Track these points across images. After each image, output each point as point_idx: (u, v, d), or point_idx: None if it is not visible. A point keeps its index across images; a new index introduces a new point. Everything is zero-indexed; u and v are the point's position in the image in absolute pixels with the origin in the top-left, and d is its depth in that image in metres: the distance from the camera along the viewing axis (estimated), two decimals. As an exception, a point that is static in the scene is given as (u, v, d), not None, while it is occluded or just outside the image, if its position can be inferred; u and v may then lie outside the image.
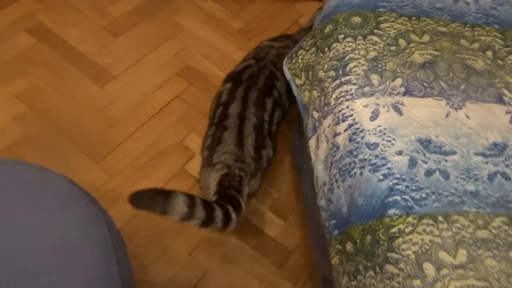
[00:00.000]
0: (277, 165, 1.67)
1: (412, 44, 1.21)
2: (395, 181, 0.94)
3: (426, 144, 1.00)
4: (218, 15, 2.13)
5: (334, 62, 1.20)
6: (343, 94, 1.13)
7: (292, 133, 1.73)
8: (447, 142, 1.01)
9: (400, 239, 0.87)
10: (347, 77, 1.15)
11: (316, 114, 1.24)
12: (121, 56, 1.87)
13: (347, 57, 1.18)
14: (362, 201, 0.96)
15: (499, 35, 1.29)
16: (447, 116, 1.07)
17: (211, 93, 1.64)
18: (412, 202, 0.91)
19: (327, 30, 1.29)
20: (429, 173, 0.95)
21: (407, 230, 0.87)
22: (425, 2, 1.33)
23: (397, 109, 1.06)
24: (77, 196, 1.00)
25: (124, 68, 1.84)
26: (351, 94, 1.11)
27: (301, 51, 1.40)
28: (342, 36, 1.23)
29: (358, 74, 1.14)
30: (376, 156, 0.99)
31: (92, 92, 1.75)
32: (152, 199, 1.12)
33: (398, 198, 0.92)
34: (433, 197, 0.92)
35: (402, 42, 1.21)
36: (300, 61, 1.39)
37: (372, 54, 1.17)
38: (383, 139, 1.01)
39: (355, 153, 1.03)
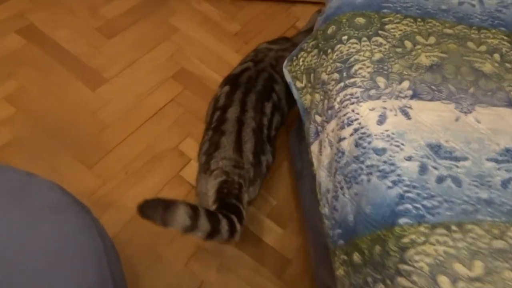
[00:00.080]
0: (274, 171, 1.63)
1: (418, 46, 1.17)
2: (405, 188, 0.89)
3: (436, 149, 0.96)
4: (214, 17, 2.09)
5: (338, 64, 1.16)
6: (348, 97, 1.08)
7: (290, 138, 1.68)
8: (457, 148, 0.97)
9: (413, 250, 0.82)
10: (352, 80, 1.10)
11: (318, 118, 1.20)
12: (114, 58, 1.83)
13: (352, 59, 1.14)
14: (370, 209, 0.92)
15: (505, 37, 1.25)
16: (456, 120, 1.03)
17: (207, 97, 1.60)
18: (424, 211, 0.86)
19: (330, 31, 1.24)
20: (440, 180, 0.91)
21: (419, 241, 0.82)
22: (430, 3, 1.29)
23: (405, 113, 1.02)
24: (67, 203, 0.98)
25: (117, 70, 1.80)
26: (357, 97, 1.06)
27: (302, 53, 1.35)
28: (346, 37, 1.19)
29: (364, 77, 1.09)
30: (385, 162, 0.94)
31: (84, 94, 1.71)
32: (153, 209, 1.07)
33: (409, 206, 0.87)
34: (446, 205, 0.87)
35: (408, 44, 1.17)
36: (301, 63, 1.35)
37: (377, 56, 1.13)
38: (391, 144, 0.96)
39: (361, 158, 0.98)
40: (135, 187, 1.52)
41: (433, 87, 1.08)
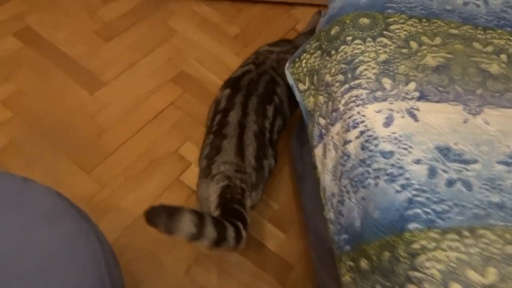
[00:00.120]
0: (276, 174, 1.60)
1: (424, 47, 1.15)
2: (414, 192, 0.86)
3: (445, 152, 0.93)
4: (213, 19, 2.06)
5: (343, 66, 1.13)
6: (353, 99, 1.05)
7: (291, 141, 1.66)
8: (467, 150, 0.94)
9: (423, 257, 0.79)
10: (357, 81, 1.07)
11: (322, 121, 1.17)
12: (112, 61, 1.80)
13: (357, 60, 1.11)
14: (378, 214, 0.89)
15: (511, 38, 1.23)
16: (465, 122, 1.00)
17: (207, 100, 1.58)
18: (434, 215, 0.83)
19: (333, 32, 1.22)
20: (450, 183, 0.88)
21: (430, 246, 0.80)
22: (435, 4, 1.27)
23: (412, 114, 0.99)
24: (64, 209, 0.96)
25: (116, 73, 1.77)
26: (362, 99, 1.04)
27: (304, 55, 1.33)
28: (350, 38, 1.16)
29: (369, 78, 1.07)
30: (392, 165, 0.91)
31: (81, 98, 1.68)
32: (158, 216, 1.04)
33: (419, 211, 0.84)
34: (456, 209, 0.84)
35: (413, 45, 1.14)
36: (303, 65, 1.32)
37: (382, 56, 1.11)
38: (399, 147, 0.93)
39: (368, 162, 0.95)
40: (135, 192, 1.49)
41: (440, 88, 1.06)
